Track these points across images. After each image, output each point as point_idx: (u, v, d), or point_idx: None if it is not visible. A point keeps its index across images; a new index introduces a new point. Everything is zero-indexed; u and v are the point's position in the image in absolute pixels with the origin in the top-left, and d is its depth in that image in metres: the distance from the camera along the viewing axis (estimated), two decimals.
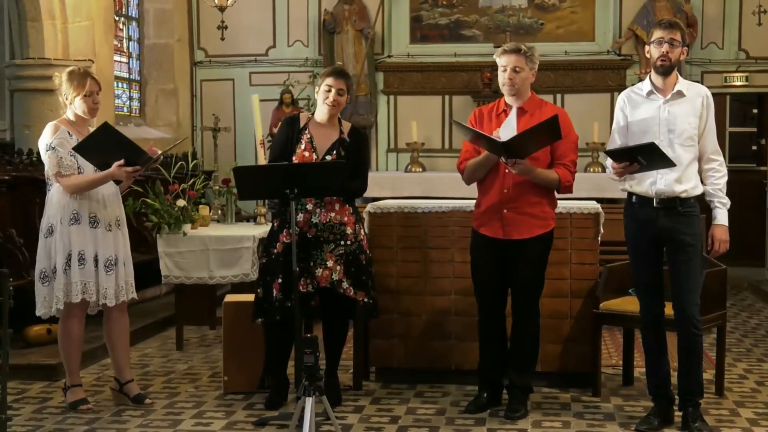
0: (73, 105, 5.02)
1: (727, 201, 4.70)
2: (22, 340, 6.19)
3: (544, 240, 4.94)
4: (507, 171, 4.80)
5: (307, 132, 5.12)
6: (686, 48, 4.72)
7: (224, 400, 5.33)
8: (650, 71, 4.73)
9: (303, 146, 5.08)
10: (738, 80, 10.96)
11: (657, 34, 4.63)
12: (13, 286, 4.09)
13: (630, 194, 4.75)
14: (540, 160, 4.81)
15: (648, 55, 4.70)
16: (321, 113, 5.14)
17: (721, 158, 4.74)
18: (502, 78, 4.91)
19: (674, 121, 4.61)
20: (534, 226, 4.88)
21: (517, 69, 4.86)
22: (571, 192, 4.94)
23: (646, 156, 4.48)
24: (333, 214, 5.04)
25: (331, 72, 5.13)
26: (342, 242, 5.05)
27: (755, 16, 10.91)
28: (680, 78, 4.72)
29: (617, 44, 11.01)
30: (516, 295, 4.99)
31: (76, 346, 5.11)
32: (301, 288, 4.95)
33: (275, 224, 5.17)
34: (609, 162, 4.73)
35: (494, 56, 4.99)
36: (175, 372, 6.04)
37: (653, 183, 4.62)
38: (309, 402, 4.11)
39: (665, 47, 4.59)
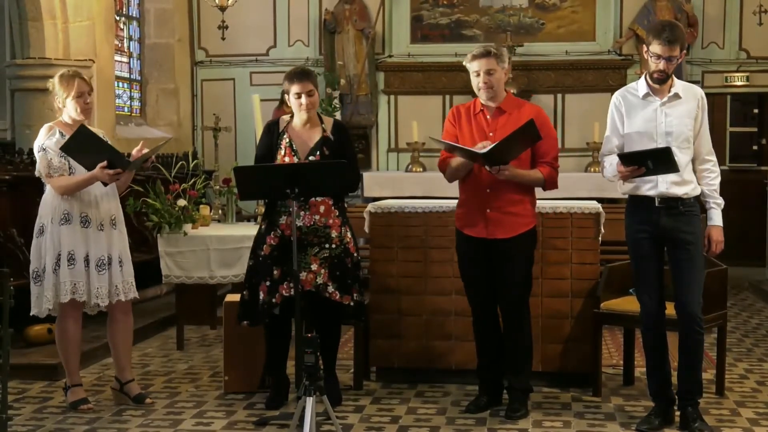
0: (66, 107, 5.04)
1: (721, 201, 4.72)
2: (23, 339, 6.20)
3: (529, 237, 4.95)
4: (488, 170, 4.80)
5: (285, 137, 5.08)
6: (685, 51, 4.70)
7: (225, 400, 5.33)
8: (646, 72, 4.72)
9: (283, 152, 5.05)
10: (738, 80, 10.96)
11: (655, 48, 4.54)
12: (14, 286, 4.08)
13: (631, 195, 4.75)
14: (523, 159, 4.83)
15: (646, 56, 4.68)
16: (299, 119, 5.09)
17: (715, 158, 4.75)
18: (477, 83, 4.90)
19: (672, 123, 4.61)
20: (517, 224, 4.89)
21: (491, 71, 4.87)
22: (556, 188, 4.97)
23: (656, 160, 4.46)
24: (318, 217, 5.01)
25: (294, 77, 5.01)
26: (327, 245, 5.02)
27: (756, 15, 10.91)
28: (675, 80, 4.70)
29: (618, 44, 11.01)
30: (505, 294, 4.95)
31: (73, 347, 5.11)
32: (284, 292, 4.95)
33: (263, 226, 5.14)
34: (609, 163, 4.70)
35: (464, 62, 4.97)
36: (175, 372, 6.05)
37: (654, 186, 4.61)
38: (309, 402, 4.11)
39: (663, 64, 4.55)
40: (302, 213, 4.97)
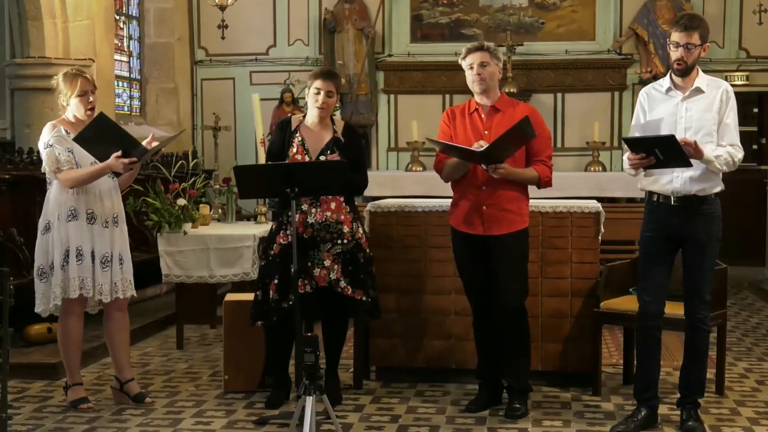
0: (70, 105, 5.04)
1: (713, 158, 4.45)
2: (23, 339, 6.20)
3: (524, 236, 4.96)
4: (484, 169, 4.81)
5: (298, 134, 5.11)
6: (708, 45, 4.62)
7: (224, 399, 5.33)
8: (667, 71, 4.69)
9: (295, 149, 5.08)
10: (738, 79, 10.94)
11: (673, 36, 4.54)
12: (14, 285, 4.09)
13: (650, 192, 4.70)
14: (517, 158, 4.85)
15: (669, 50, 4.63)
16: (311, 115, 5.14)
17: (739, 146, 4.55)
18: (470, 76, 4.94)
19: (692, 118, 4.55)
20: (513, 221, 4.90)
21: (484, 64, 4.90)
22: (550, 186, 4.98)
23: (664, 150, 4.39)
24: (329, 213, 5.03)
25: (320, 74, 5.13)
26: (339, 241, 5.05)
27: (756, 15, 10.91)
28: (700, 73, 4.63)
29: (618, 43, 11.01)
30: (503, 293, 4.92)
31: (75, 345, 5.11)
32: (299, 289, 4.95)
33: (273, 226, 5.17)
34: (627, 155, 4.67)
35: (459, 60, 5.01)
36: (175, 371, 6.05)
37: (670, 182, 4.57)
38: (309, 401, 4.11)
39: (680, 51, 4.52)
40: (314, 210, 5.01)
